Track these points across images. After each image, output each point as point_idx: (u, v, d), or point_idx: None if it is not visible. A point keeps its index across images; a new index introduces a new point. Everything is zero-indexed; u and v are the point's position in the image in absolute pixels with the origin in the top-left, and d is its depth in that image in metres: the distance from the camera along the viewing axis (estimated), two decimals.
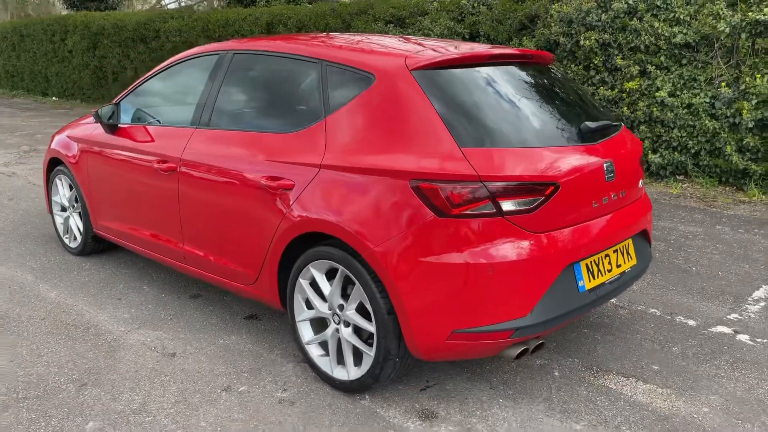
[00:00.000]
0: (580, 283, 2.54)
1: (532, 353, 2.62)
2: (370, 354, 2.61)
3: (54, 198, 4.75)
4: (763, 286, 3.93)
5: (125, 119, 3.92)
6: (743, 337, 3.25)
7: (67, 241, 4.70)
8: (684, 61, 6.50)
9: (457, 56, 2.66)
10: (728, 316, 3.49)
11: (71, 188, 4.54)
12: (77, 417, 2.64)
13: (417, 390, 2.81)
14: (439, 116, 2.44)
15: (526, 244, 2.35)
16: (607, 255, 2.69)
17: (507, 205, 2.32)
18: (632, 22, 6.69)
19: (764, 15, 5.71)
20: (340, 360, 2.79)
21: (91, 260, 4.54)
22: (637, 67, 6.71)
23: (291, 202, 2.76)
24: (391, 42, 3.11)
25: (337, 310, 2.72)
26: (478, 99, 2.57)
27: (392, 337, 2.50)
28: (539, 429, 2.51)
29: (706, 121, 6.20)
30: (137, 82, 4.02)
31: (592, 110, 2.97)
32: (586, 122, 2.69)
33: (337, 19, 9.60)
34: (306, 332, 2.89)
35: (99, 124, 4.06)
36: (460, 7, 8.32)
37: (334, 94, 2.77)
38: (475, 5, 8.24)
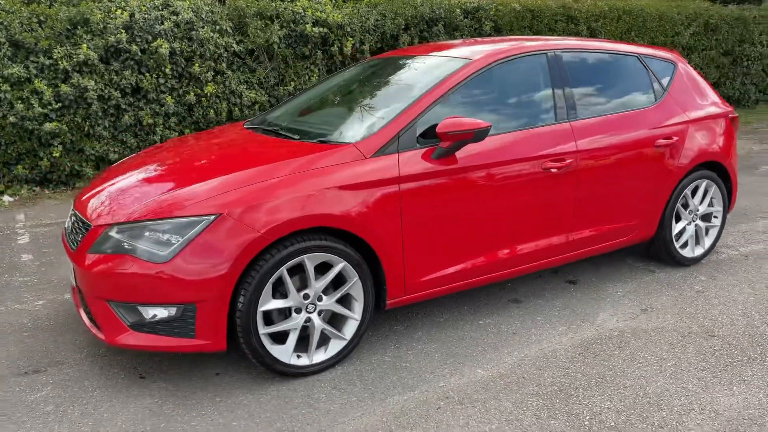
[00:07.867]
0: None
1: None
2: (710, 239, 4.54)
3: (264, 307, 2.54)
4: None
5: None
6: None
7: (318, 356, 2.85)
8: (235, 67, 7.83)
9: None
10: None
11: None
12: None
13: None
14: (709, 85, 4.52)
15: None
16: None
17: None
18: (194, 33, 7.35)
19: (307, 30, 7.93)
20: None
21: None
22: (212, 73, 7.51)
23: (680, 150, 4.12)
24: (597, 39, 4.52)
25: (696, 213, 4.41)
26: None
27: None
28: None
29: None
30: (420, 103, 3.28)
31: None
32: None
33: None
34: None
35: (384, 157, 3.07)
36: None
37: (658, 75, 4.26)
38: None
